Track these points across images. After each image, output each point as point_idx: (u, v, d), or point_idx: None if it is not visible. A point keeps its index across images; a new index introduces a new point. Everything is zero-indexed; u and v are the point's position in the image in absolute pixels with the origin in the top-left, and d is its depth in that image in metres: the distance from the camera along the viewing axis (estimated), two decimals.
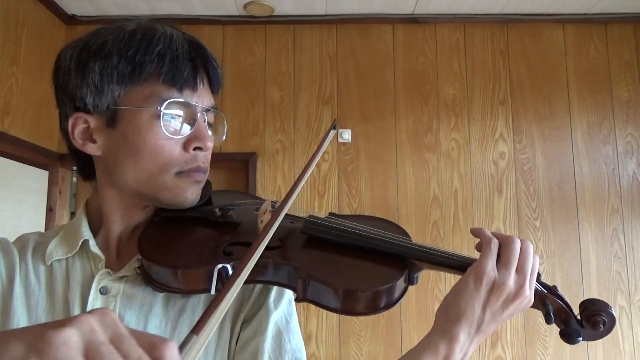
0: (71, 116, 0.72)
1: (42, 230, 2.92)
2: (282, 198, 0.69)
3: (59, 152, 2.97)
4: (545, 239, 2.94)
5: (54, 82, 0.75)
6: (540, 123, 3.03)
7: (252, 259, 0.57)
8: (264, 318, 0.72)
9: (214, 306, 0.48)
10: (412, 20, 3.09)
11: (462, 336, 0.64)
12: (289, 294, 0.77)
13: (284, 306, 0.75)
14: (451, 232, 2.94)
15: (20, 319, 0.70)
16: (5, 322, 0.70)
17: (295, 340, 0.74)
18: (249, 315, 0.74)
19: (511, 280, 0.64)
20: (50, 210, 2.94)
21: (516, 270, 0.65)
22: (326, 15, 3.07)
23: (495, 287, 0.64)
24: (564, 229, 2.94)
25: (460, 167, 2.99)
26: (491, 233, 0.69)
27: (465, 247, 2.90)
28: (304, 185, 2.93)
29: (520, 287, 0.64)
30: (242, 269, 0.56)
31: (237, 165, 2.99)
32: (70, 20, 3.05)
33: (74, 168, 3.13)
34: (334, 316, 2.84)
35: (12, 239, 0.80)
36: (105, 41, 0.69)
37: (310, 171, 0.68)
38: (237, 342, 0.73)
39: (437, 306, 0.68)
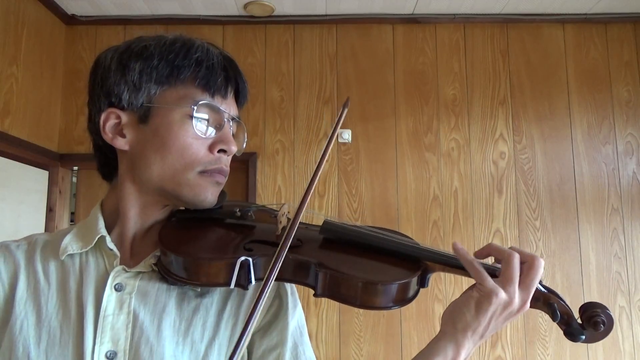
0: (104, 111, 0.76)
1: (42, 230, 2.93)
2: (300, 197, 0.72)
3: (59, 152, 2.97)
4: (545, 239, 2.94)
5: (90, 80, 0.79)
6: (540, 123, 3.03)
7: (283, 252, 0.64)
8: (284, 329, 0.75)
9: (260, 297, 0.58)
10: (412, 20, 3.09)
11: (468, 343, 0.70)
12: (299, 304, 0.80)
13: (297, 317, 0.79)
14: (451, 232, 2.94)
15: (28, 319, 0.70)
16: (4, 327, 0.71)
17: (309, 351, 0.77)
18: (264, 324, 0.76)
19: (516, 297, 0.68)
20: (50, 210, 2.94)
21: (520, 286, 0.68)
22: (326, 15, 3.07)
23: (501, 305, 0.68)
24: (564, 229, 2.94)
25: (460, 167, 2.99)
26: (492, 248, 0.73)
27: (465, 247, 2.90)
28: (304, 186, 2.93)
29: (523, 303, 0.68)
30: (277, 260, 0.63)
31: (237, 165, 2.99)
32: (70, 20, 3.05)
33: (74, 168, 3.13)
34: (334, 316, 2.84)
35: (12, 239, 0.79)
36: (148, 45, 0.75)
37: (325, 160, 0.72)
38: (248, 349, 0.75)
39: (437, 306, 0.71)
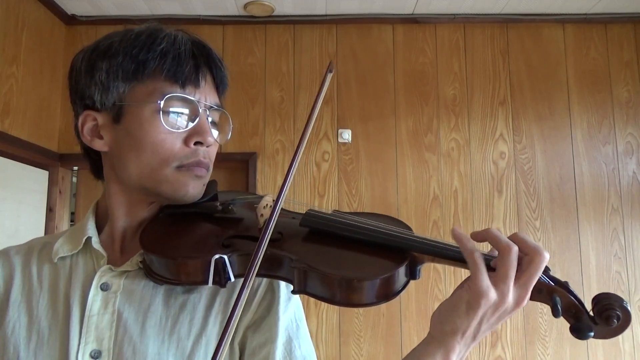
0: (81, 114, 0.75)
1: (42, 230, 2.92)
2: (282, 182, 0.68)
3: (59, 152, 2.97)
4: (545, 239, 2.94)
5: (68, 85, 0.78)
6: (540, 123, 3.03)
7: (262, 249, 0.60)
8: (274, 324, 0.72)
9: (238, 300, 0.57)
10: (412, 20, 3.09)
11: (458, 347, 0.64)
12: (296, 297, 0.77)
13: (293, 310, 0.76)
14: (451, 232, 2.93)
15: (21, 321, 0.72)
16: None
17: (306, 346, 0.74)
18: (255, 319, 0.73)
19: (510, 296, 0.60)
20: (50, 210, 2.93)
21: (516, 283, 0.60)
22: (326, 15, 3.07)
23: (493, 305, 0.60)
24: (564, 229, 2.94)
25: (460, 167, 2.99)
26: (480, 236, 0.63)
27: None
28: (304, 185, 2.93)
29: (520, 300, 0.61)
30: (255, 260, 0.60)
31: (237, 165, 2.99)
32: (70, 20, 3.05)
33: (74, 168, 3.13)
34: (334, 316, 2.84)
35: (12, 239, 0.81)
36: (113, 42, 0.73)
37: (307, 137, 0.67)
38: (241, 345, 0.73)
39: (437, 306, 0.68)
